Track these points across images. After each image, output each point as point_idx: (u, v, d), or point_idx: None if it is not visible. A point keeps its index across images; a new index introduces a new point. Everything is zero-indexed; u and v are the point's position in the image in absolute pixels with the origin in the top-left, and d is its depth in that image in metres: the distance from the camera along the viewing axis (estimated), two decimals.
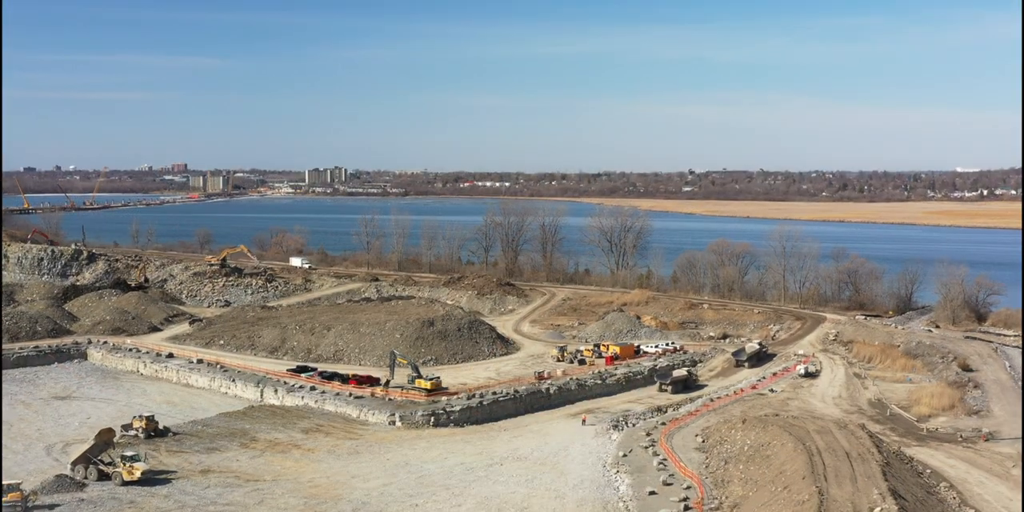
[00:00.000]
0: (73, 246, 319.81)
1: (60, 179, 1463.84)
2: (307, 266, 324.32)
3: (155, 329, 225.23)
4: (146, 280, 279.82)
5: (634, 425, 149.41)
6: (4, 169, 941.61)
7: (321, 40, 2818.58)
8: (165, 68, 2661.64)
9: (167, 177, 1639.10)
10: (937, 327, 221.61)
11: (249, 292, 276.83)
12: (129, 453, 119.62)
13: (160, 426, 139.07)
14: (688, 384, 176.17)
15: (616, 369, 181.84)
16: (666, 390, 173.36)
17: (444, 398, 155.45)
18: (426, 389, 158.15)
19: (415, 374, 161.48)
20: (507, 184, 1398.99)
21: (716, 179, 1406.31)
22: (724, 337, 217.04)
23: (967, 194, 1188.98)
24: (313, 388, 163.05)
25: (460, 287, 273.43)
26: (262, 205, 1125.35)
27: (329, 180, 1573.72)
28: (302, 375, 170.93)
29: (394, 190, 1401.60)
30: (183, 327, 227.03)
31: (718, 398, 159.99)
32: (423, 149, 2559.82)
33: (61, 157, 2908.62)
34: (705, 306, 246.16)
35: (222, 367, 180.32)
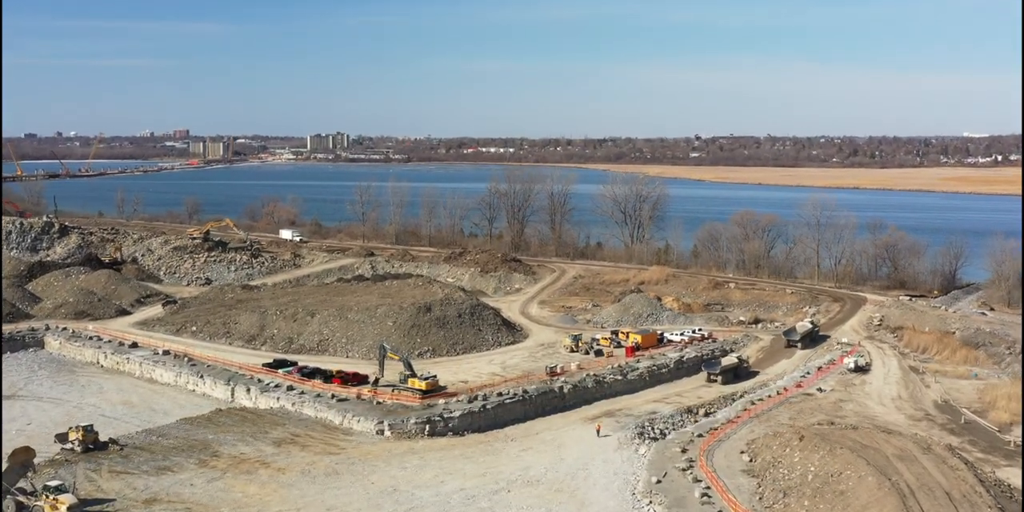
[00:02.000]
0: (44, 218, 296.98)
1: (60, 145, 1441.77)
2: (298, 239, 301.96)
3: (124, 312, 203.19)
4: (121, 256, 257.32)
5: (663, 433, 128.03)
6: (4, 135, 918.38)
7: (324, 5, 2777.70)
8: (168, 34, 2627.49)
9: (168, 143, 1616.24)
10: (992, 309, 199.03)
11: (232, 269, 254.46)
12: (54, 483, 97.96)
13: (101, 438, 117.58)
14: (739, 373, 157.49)
15: (638, 362, 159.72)
16: (715, 380, 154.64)
17: (441, 401, 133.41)
18: (421, 390, 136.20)
19: (408, 372, 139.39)
20: (511, 150, 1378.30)
21: (724, 145, 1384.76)
22: (756, 322, 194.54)
23: (981, 159, 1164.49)
24: (291, 388, 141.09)
25: (462, 263, 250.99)
26: (262, 172, 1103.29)
27: (331, 146, 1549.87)
28: (279, 371, 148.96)
29: (396, 156, 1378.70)
30: (155, 310, 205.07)
31: (759, 401, 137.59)
32: (426, 115, 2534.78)
33: (62, 123, 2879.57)
34: (731, 286, 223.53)
35: (190, 360, 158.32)
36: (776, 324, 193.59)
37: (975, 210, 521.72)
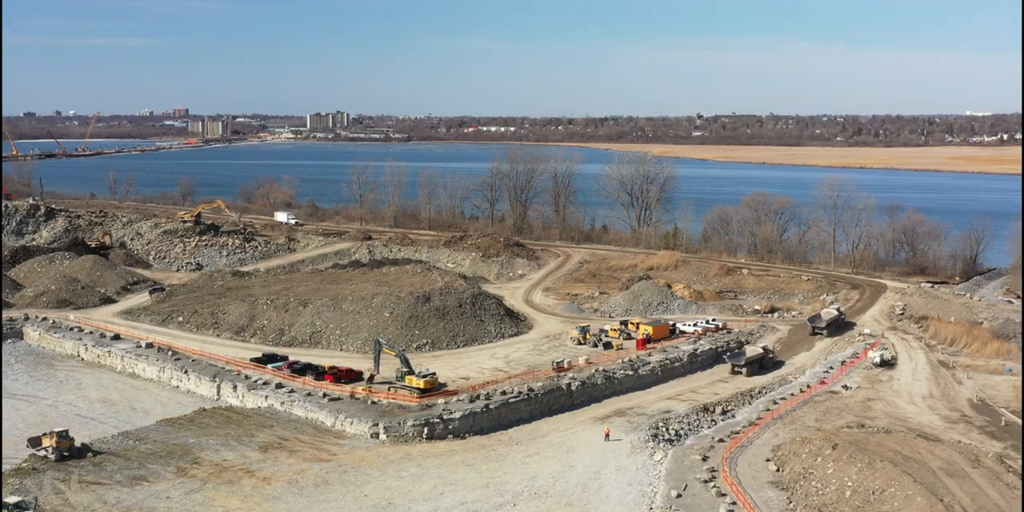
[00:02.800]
0: (30, 201, 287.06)
1: (58, 124, 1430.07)
2: (293, 222, 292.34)
3: (108, 300, 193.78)
4: (109, 240, 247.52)
5: (678, 435, 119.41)
6: (4, 114, 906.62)
7: None
8: (169, 13, 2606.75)
9: (167, 122, 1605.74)
10: (1017, 297, 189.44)
11: (224, 253, 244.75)
12: (13, 499, 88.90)
13: (78, 444, 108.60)
14: (764, 363, 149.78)
15: (650, 355, 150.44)
16: (740, 373, 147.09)
17: (440, 400, 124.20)
18: (418, 388, 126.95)
19: (405, 369, 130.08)
20: (512, 129, 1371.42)
21: (726, 123, 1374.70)
22: (772, 311, 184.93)
23: (986, 138, 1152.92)
24: (280, 385, 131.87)
25: (462, 248, 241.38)
26: (261, 151, 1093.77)
27: (331, 125, 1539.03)
28: (268, 366, 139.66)
29: (397, 135, 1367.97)
30: (142, 297, 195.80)
31: (782, 400, 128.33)
32: (427, 94, 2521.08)
33: (62, 102, 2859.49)
34: (744, 272, 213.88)
35: (174, 354, 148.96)
36: (793, 313, 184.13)
37: (986, 190, 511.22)
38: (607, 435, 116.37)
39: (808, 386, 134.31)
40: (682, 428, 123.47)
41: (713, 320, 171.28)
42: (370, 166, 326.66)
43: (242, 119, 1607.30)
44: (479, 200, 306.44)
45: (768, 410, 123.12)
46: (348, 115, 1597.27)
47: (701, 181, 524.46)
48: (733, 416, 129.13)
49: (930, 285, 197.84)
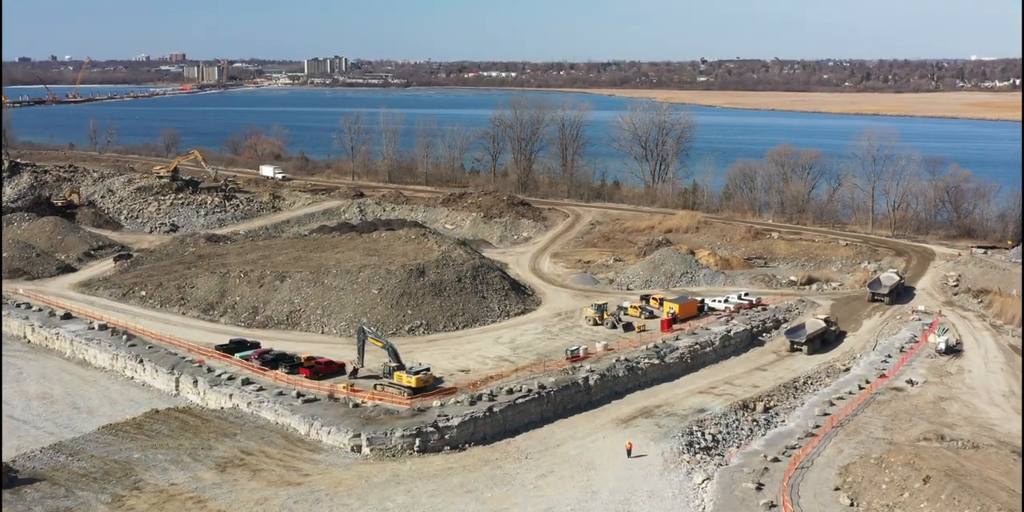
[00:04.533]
0: None
1: (53, 70, 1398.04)
2: (280, 176, 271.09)
3: (67, 269, 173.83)
4: (78, 199, 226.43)
5: (716, 441, 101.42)
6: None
7: None
8: None
9: (163, 68, 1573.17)
10: None
11: (202, 213, 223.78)
12: None
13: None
14: (826, 338, 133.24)
15: (677, 339, 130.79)
16: (800, 350, 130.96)
17: (435, 401, 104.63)
18: (410, 387, 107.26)
19: (394, 363, 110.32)
20: (513, 74, 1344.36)
21: (731, 68, 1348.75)
22: (809, 282, 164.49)
23: (998, 84, 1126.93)
24: (248, 381, 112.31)
25: (462, 207, 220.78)
26: (256, 97, 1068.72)
27: (329, 70, 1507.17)
28: (236, 356, 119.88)
29: (395, 81, 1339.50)
30: (106, 265, 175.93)
31: (838, 400, 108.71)
32: (426, 37, 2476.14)
33: (57, 47, 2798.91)
34: (775, 235, 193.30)
35: (129, 338, 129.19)
36: (833, 284, 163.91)
37: (1010, 139, 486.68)
38: (629, 451, 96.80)
39: (867, 381, 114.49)
40: (720, 432, 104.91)
41: (746, 295, 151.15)
42: (363, 114, 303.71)
43: (239, 64, 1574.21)
44: (480, 152, 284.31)
45: (826, 415, 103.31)
46: (346, 60, 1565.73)
47: (712, 129, 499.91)
48: (776, 414, 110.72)
49: (982, 251, 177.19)
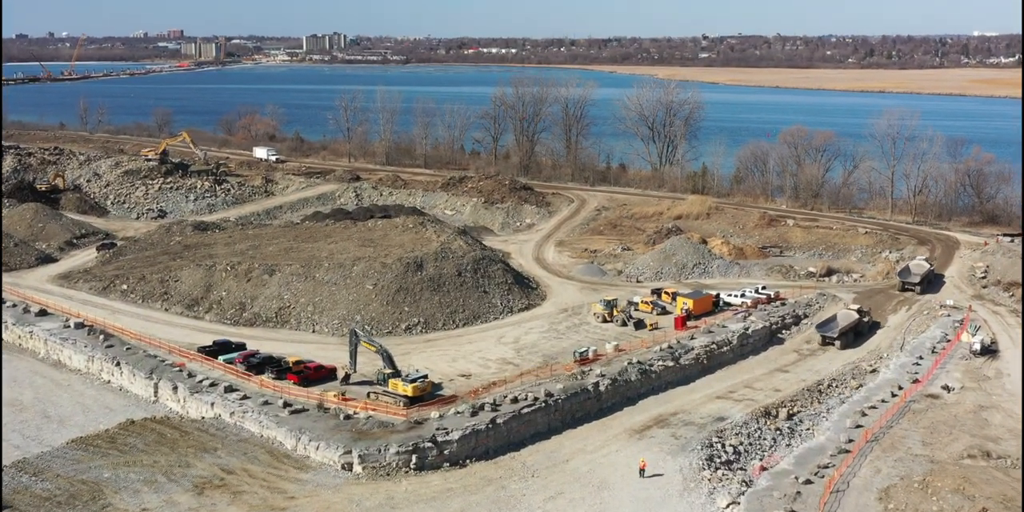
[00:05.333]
0: None
1: (50, 47, 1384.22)
2: (274, 158, 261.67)
3: (47, 259, 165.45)
4: (60, 183, 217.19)
5: (737, 453, 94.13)
6: None
7: None
8: None
9: (161, 44, 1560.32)
10: None
11: (192, 198, 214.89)
12: None
13: None
14: (860, 330, 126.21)
15: (692, 338, 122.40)
16: (833, 344, 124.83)
17: (434, 412, 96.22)
18: (406, 397, 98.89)
19: (389, 370, 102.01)
20: (513, 51, 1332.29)
21: (733, 44, 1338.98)
22: (829, 273, 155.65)
23: (1003, 60, 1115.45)
24: (232, 388, 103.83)
25: (462, 192, 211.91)
26: (254, 74, 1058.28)
27: (328, 47, 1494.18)
28: (219, 359, 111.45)
29: (395, 57, 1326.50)
30: (88, 255, 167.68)
31: (870, 407, 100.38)
32: (426, 14, 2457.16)
33: (55, 23, 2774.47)
34: (790, 222, 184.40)
35: (106, 338, 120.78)
36: (855, 276, 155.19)
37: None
38: (642, 470, 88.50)
39: (900, 387, 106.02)
40: (741, 443, 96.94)
41: (763, 288, 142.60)
42: (360, 92, 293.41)
43: (237, 41, 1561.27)
44: (481, 133, 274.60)
45: (858, 427, 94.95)
46: (345, 37, 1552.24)
47: (717, 107, 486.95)
48: (800, 421, 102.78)
49: (1008, 238, 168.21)
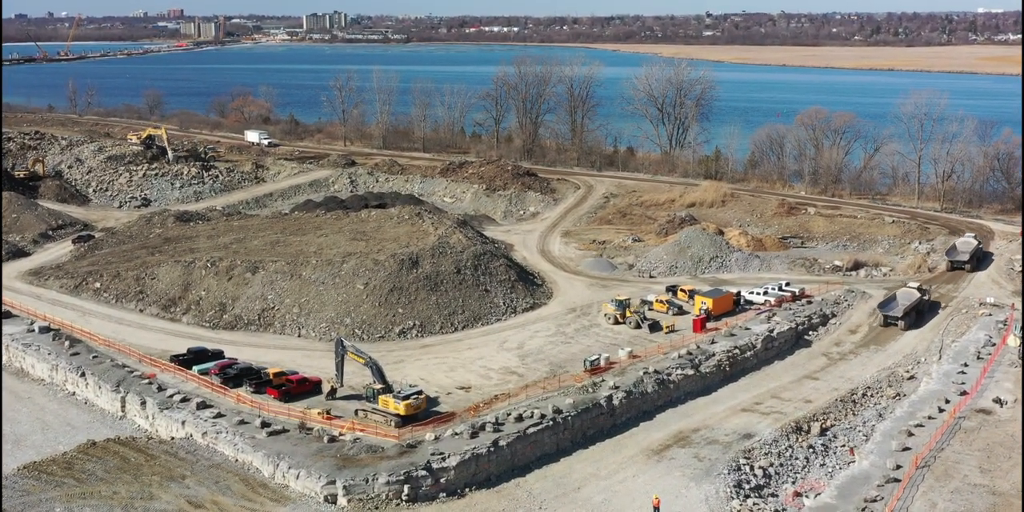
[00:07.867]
0: None
1: (49, 27, 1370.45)
2: (266, 142, 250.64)
3: (20, 253, 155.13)
4: (40, 170, 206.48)
5: (768, 476, 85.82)
6: None
7: None
8: None
9: (160, 24, 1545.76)
10: None
11: (177, 185, 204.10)
12: None
13: None
14: (921, 310, 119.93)
15: (712, 342, 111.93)
16: (895, 325, 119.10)
17: (429, 434, 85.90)
18: (398, 415, 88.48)
19: (379, 385, 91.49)
20: (515, 29, 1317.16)
21: (737, 22, 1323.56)
22: (856, 267, 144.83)
23: (1011, 37, 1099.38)
24: (205, 404, 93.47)
25: (462, 178, 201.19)
26: (253, 54, 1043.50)
27: (328, 26, 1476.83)
28: (193, 369, 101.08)
29: (396, 36, 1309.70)
30: (64, 248, 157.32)
31: (916, 426, 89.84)
32: None
33: (55, 3, 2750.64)
34: (811, 211, 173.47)
35: (72, 344, 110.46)
36: (883, 270, 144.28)
37: None
38: (656, 509, 78.09)
39: (946, 401, 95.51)
40: (771, 464, 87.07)
41: (787, 285, 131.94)
42: (355, 73, 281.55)
43: (237, 20, 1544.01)
44: (482, 115, 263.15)
45: (906, 449, 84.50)
46: (346, 15, 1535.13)
47: (725, 86, 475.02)
48: (835, 437, 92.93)
49: None
